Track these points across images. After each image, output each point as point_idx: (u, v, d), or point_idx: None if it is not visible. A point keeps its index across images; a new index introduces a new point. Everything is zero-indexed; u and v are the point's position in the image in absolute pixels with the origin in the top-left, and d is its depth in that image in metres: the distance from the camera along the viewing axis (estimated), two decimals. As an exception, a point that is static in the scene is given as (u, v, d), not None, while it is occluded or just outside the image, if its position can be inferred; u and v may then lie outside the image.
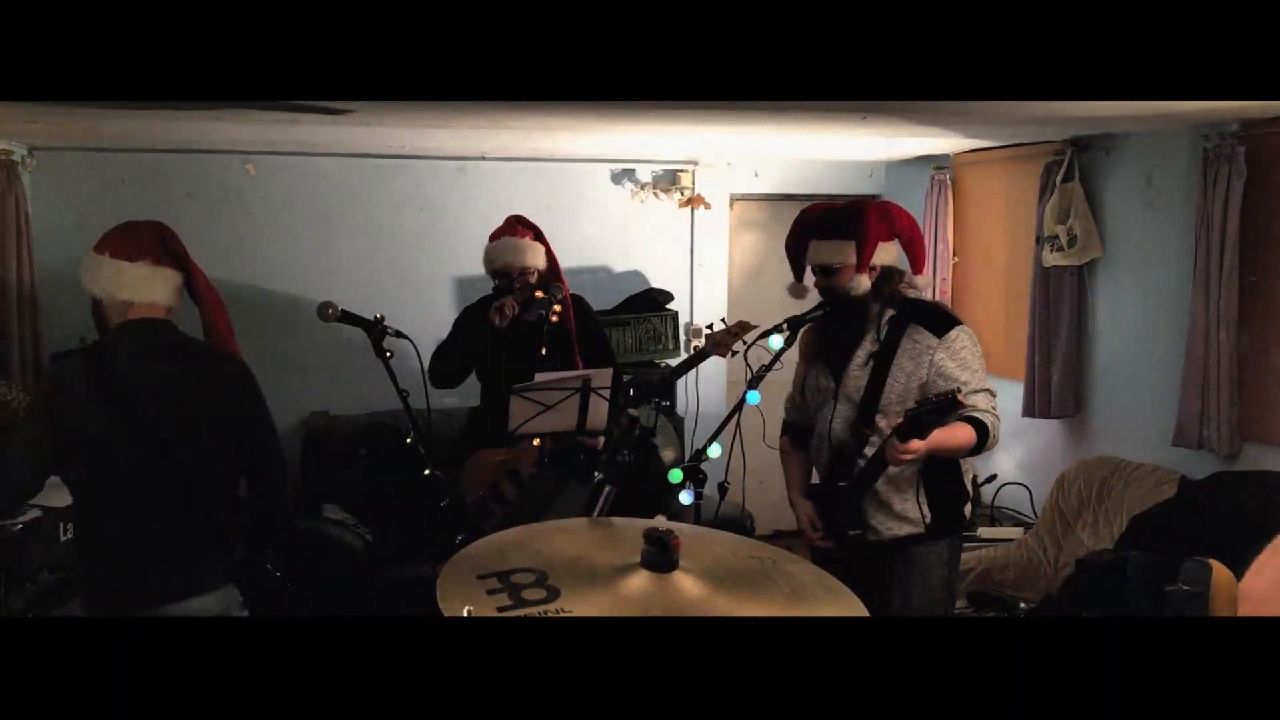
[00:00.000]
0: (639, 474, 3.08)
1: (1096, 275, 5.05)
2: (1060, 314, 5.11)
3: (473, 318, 4.56)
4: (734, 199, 6.74)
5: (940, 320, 3.30)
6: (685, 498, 3.24)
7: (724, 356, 3.96)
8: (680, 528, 2.18)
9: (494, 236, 4.60)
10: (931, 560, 3.34)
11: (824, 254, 3.36)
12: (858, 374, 3.34)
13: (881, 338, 3.32)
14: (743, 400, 3.34)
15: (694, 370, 6.23)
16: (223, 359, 2.95)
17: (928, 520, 3.31)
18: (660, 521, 2.19)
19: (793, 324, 3.44)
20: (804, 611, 2.03)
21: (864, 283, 3.32)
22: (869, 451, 3.28)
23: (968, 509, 3.45)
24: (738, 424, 3.39)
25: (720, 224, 6.62)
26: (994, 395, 3.27)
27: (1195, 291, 4.28)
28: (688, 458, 3.40)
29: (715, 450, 3.36)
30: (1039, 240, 5.13)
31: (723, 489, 3.44)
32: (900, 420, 3.04)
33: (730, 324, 4.08)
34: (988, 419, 3.18)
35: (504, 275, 4.48)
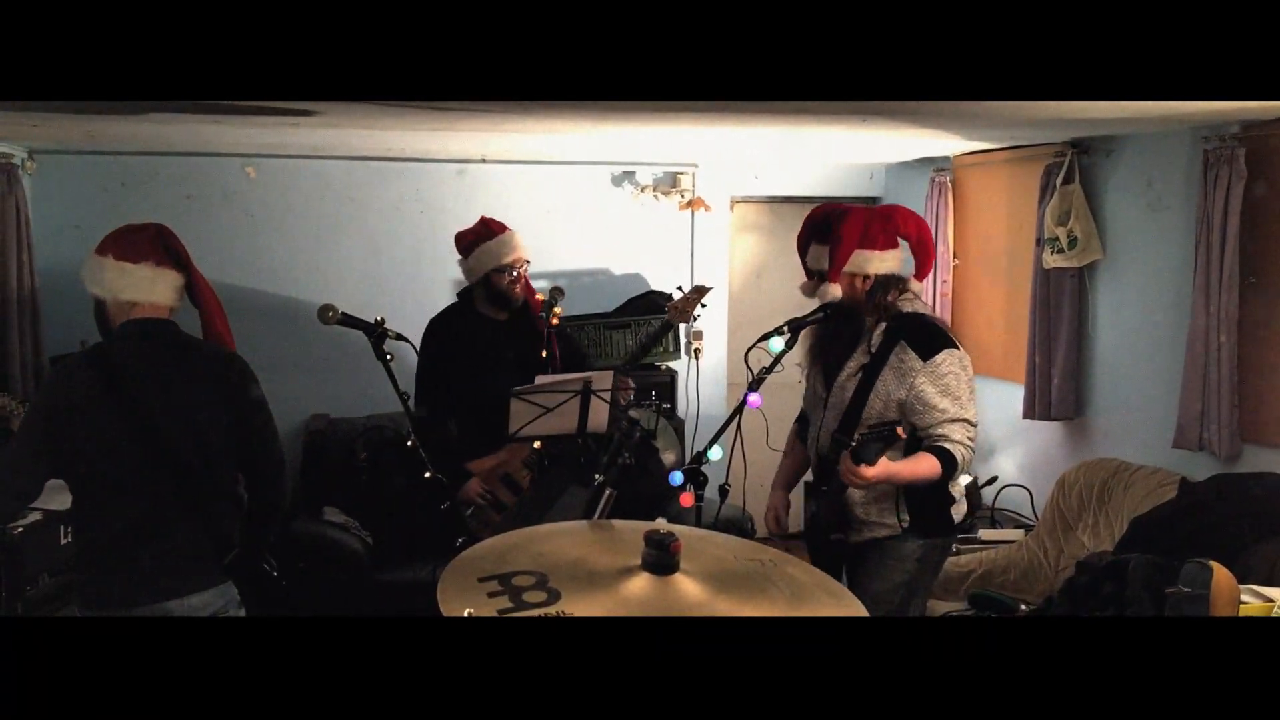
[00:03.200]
0: (639, 477, 3.07)
1: (1097, 277, 5.05)
2: (1061, 316, 5.11)
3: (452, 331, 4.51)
4: (734, 201, 6.74)
5: (930, 341, 3.25)
6: (675, 478, 3.25)
7: (686, 323, 3.96)
8: (681, 530, 2.18)
9: (477, 234, 4.47)
10: (903, 552, 3.34)
11: (811, 259, 3.41)
12: (846, 384, 3.35)
13: (873, 350, 3.31)
14: (743, 402, 3.34)
15: (694, 371, 6.27)
16: (225, 357, 2.99)
17: (905, 525, 3.32)
18: (661, 524, 2.19)
19: (793, 326, 3.44)
20: (804, 614, 2.03)
21: (833, 290, 3.31)
22: None
23: (958, 511, 3.43)
24: (738, 426, 3.39)
25: (720, 226, 6.62)
26: (973, 425, 3.23)
27: (1195, 293, 4.28)
28: (688, 460, 3.40)
29: (716, 453, 3.36)
30: (1039, 242, 5.13)
31: (723, 491, 3.44)
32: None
33: (688, 291, 4.12)
34: (958, 451, 3.16)
35: (509, 268, 4.42)
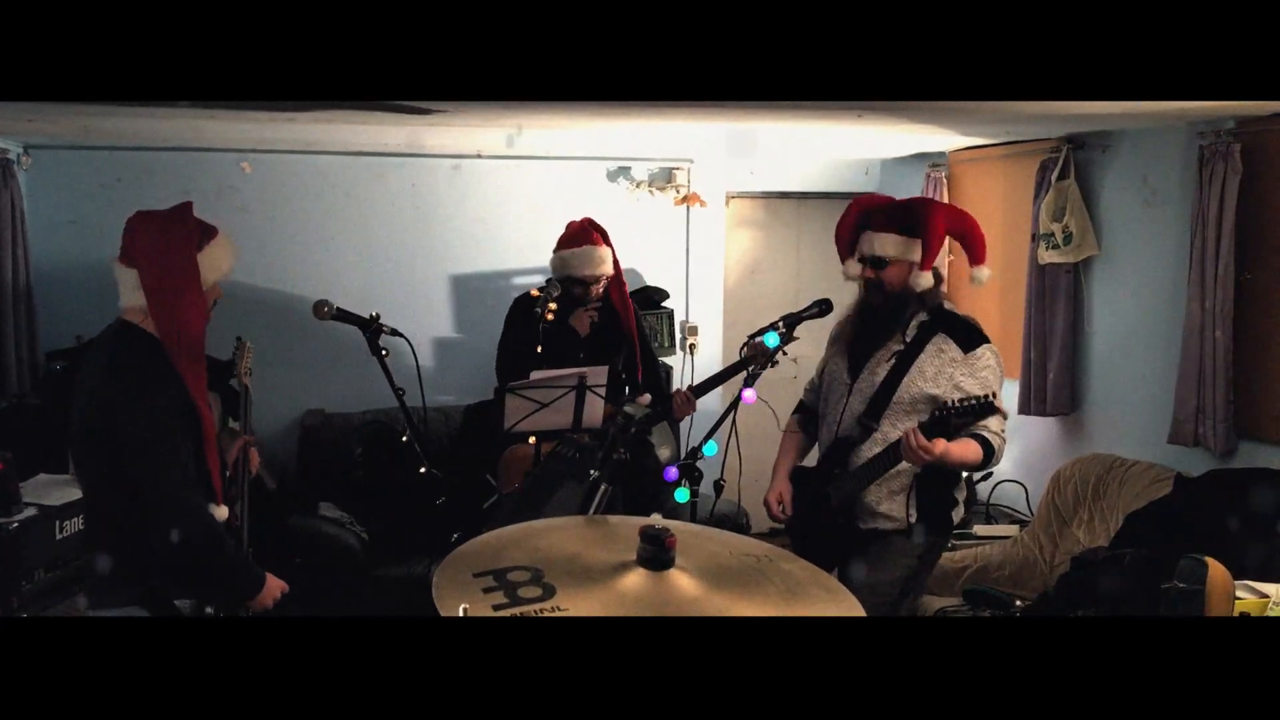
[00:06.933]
0: (635, 472, 3.08)
1: (1092, 273, 5.05)
2: (1056, 312, 5.11)
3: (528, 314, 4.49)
4: (730, 196, 6.74)
5: (969, 336, 3.33)
6: (680, 495, 3.25)
7: (765, 367, 3.75)
8: (676, 526, 2.18)
9: (568, 242, 4.55)
10: (906, 547, 3.38)
11: (878, 246, 3.35)
12: (876, 370, 3.36)
13: (908, 339, 3.34)
14: (738, 398, 3.35)
15: (690, 367, 6.28)
16: (139, 374, 2.79)
17: (911, 522, 3.36)
18: (656, 519, 2.19)
19: (788, 322, 3.46)
20: (799, 610, 2.04)
21: (927, 279, 3.35)
22: (867, 450, 3.29)
23: (956, 513, 3.47)
24: (733, 422, 3.40)
25: (716, 221, 6.62)
26: (1005, 419, 3.32)
27: (1191, 289, 4.28)
28: (683, 456, 3.40)
29: (711, 449, 3.37)
30: (1034, 238, 5.13)
31: (719, 487, 3.45)
32: (926, 418, 3.08)
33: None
34: (995, 441, 3.24)
35: (578, 283, 4.45)
